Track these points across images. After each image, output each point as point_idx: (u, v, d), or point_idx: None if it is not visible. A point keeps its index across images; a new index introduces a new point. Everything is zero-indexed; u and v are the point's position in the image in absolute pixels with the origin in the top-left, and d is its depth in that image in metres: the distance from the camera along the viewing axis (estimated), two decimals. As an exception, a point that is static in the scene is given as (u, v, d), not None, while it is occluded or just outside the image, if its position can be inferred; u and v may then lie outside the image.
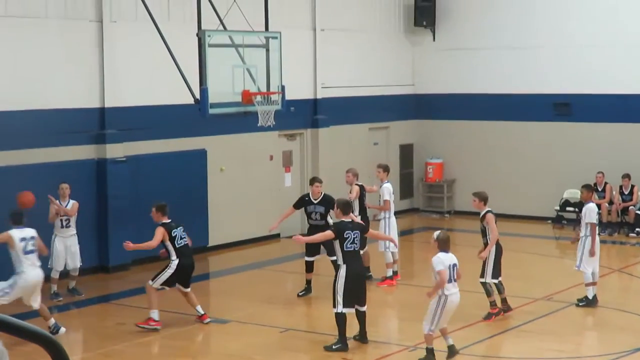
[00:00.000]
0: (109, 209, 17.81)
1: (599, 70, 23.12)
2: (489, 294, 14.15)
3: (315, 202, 15.90)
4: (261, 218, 20.98)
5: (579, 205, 22.86)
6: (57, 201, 15.59)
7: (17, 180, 16.21)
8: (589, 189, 15.61)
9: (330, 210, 15.63)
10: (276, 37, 16.26)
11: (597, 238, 15.00)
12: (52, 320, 13.43)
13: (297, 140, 22.75)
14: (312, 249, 15.88)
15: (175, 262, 13.83)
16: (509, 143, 24.51)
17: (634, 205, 21.96)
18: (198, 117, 15.53)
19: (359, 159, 23.37)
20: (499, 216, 23.82)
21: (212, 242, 19.96)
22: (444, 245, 11.83)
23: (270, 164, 21.70)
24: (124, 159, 18.09)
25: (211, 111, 15.10)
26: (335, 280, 12.55)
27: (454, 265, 11.79)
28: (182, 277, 13.99)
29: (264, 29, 16.60)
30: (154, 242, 13.77)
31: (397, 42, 25.43)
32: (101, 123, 17.97)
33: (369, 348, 13.21)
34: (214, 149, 20.02)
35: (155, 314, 13.79)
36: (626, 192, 22.09)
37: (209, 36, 14.95)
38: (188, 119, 18.11)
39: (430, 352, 11.96)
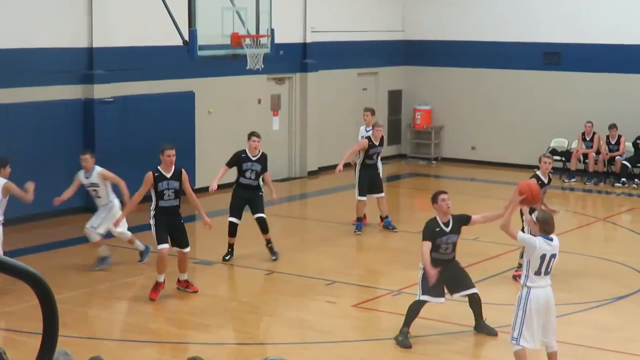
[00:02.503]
0: (96, 150, 17.64)
1: (590, 20, 23.04)
2: None
3: (254, 159, 14.78)
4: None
5: (566, 154, 23.01)
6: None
7: (1, 118, 16.13)
8: None
9: (265, 172, 14.81)
10: (266, -20, 16.11)
11: None
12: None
13: (286, 84, 22.66)
14: (236, 211, 15.02)
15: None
16: (497, 91, 24.48)
17: (621, 156, 22.05)
18: (187, 59, 15.43)
19: (347, 104, 23.34)
20: (485, 164, 24.11)
21: (198, 184, 19.91)
22: (546, 226, 9.44)
23: (258, 108, 21.63)
24: (112, 99, 18.00)
25: (200, 53, 14.99)
26: None
27: (553, 256, 9.37)
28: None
29: (254, -29, 16.45)
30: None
31: (388, -13, 25.24)
32: (89, 63, 17.84)
33: (353, 291, 13.30)
34: (202, 91, 19.93)
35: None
36: (613, 142, 22.15)
37: (198, -23, 14.80)
38: (177, 61, 17.99)
39: None
